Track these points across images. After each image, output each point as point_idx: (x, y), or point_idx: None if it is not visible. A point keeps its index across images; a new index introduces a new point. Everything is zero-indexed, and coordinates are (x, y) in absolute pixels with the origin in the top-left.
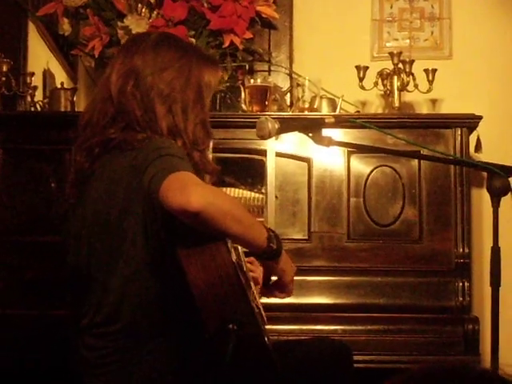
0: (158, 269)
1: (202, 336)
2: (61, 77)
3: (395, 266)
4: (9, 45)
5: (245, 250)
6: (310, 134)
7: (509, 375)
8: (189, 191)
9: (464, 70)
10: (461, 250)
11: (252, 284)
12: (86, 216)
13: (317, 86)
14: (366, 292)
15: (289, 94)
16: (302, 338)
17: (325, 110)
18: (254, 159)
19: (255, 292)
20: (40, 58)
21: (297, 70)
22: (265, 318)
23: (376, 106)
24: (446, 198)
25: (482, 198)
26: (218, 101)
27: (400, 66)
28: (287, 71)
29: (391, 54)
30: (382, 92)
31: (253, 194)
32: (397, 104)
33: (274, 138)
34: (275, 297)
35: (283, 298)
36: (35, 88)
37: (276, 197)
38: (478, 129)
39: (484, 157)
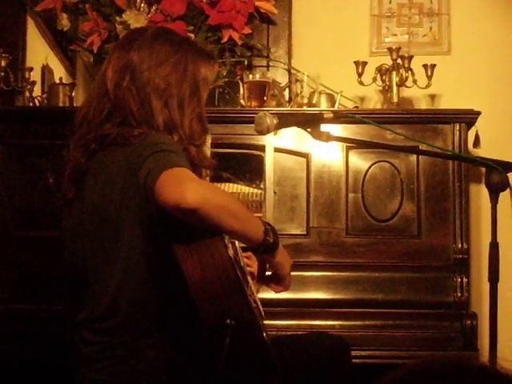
0: (155, 264)
1: (200, 331)
2: (59, 72)
3: (393, 261)
4: (7, 40)
5: (242, 244)
6: (309, 130)
7: (507, 370)
8: (184, 188)
9: (463, 66)
10: (459, 245)
11: (249, 279)
12: (83, 212)
13: (315, 82)
14: (364, 287)
15: (287, 90)
16: (300, 333)
17: (323, 105)
18: (253, 154)
19: (253, 287)
20: (39, 53)
21: (295, 65)
22: (263, 313)
23: (375, 102)
24: (445, 193)
25: (480, 193)
26: (216, 96)
27: (399, 61)
28: (286, 67)
29: (390, 50)
30: (381, 87)
31: (251, 189)
32: (395, 99)
33: (272, 133)
34: (273, 290)
35: (280, 291)
36: (34, 83)
37: (274, 192)
38: (476, 124)
39: (482, 152)
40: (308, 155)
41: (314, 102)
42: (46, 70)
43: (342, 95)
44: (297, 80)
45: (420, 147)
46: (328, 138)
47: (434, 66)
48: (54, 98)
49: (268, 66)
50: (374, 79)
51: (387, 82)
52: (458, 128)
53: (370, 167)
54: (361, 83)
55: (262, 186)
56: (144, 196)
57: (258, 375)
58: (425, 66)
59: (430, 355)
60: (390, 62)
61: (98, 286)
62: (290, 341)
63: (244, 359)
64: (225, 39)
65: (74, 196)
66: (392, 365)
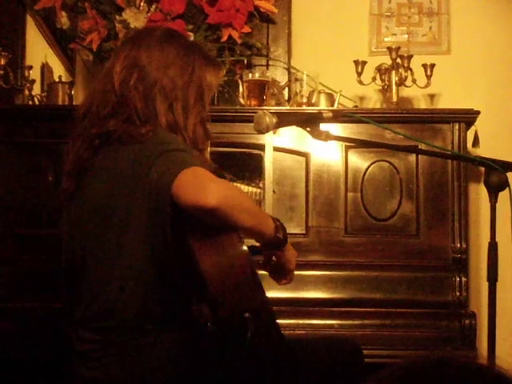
0: (159, 262)
1: (202, 329)
2: (59, 70)
3: (392, 260)
4: (7, 38)
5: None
6: (308, 129)
7: (503, 369)
8: (204, 188)
9: (462, 65)
10: (458, 245)
11: None
12: (84, 208)
13: (315, 81)
14: (362, 287)
15: (287, 89)
16: (312, 335)
17: (323, 104)
18: (252, 153)
19: None
20: (38, 51)
21: (295, 64)
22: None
23: (374, 101)
24: (444, 192)
25: (479, 193)
26: (215, 95)
27: (398, 60)
28: (285, 66)
29: (389, 49)
30: (380, 87)
31: (250, 188)
32: (395, 99)
33: (271, 132)
34: (277, 282)
35: (284, 284)
36: (33, 81)
37: (274, 191)
38: (475, 124)
39: (482, 152)
40: (307, 154)
41: (313, 101)
42: (45, 69)
43: (341, 94)
44: (296, 79)
45: (419, 147)
46: (327, 137)
47: (433, 65)
48: (53, 97)
49: (267, 65)
50: (374, 79)
51: (386, 82)
52: (457, 127)
53: (369, 166)
54: (360, 82)
55: (261, 185)
56: (154, 194)
57: (275, 369)
58: (424, 65)
59: (419, 355)
60: (390, 62)
61: (97, 283)
62: (301, 343)
63: (260, 352)
64: (224, 38)
65: (74, 191)
66: (390, 364)
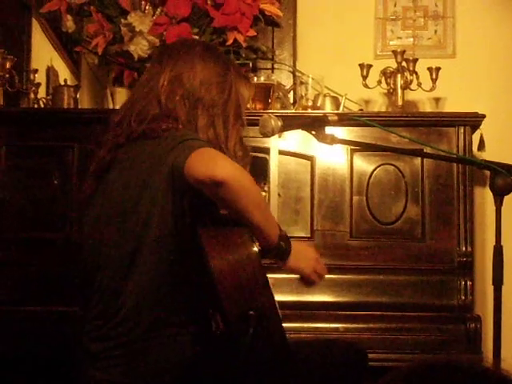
0: (177, 262)
1: (212, 327)
2: (64, 74)
3: (397, 264)
4: (12, 42)
5: None
6: (313, 132)
7: (509, 372)
8: (216, 161)
9: (467, 69)
10: (463, 248)
11: None
12: (103, 204)
13: (320, 84)
14: (368, 290)
15: (292, 92)
16: (315, 338)
17: (328, 108)
18: (257, 157)
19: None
20: (43, 55)
21: (300, 68)
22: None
23: (379, 105)
24: (449, 196)
25: (484, 196)
26: None
27: (403, 64)
28: (290, 69)
29: (395, 53)
30: (386, 90)
31: None
32: (400, 102)
33: (277, 135)
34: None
35: (313, 285)
36: (38, 85)
37: (279, 194)
38: (481, 127)
39: (487, 155)
40: (312, 158)
41: (318, 104)
42: (50, 72)
43: (346, 98)
44: (301, 82)
45: (424, 150)
46: (332, 140)
47: (438, 69)
48: (58, 100)
49: (273, 69)
50: (379, 82)
51: (392, 85)
52: (462, 131)
53: (374, 170)
54: (365, 86)
55: (266, 188)
56: (174, 184)
57: (274, 371)
58: (429, 69)
59: (424, 358)
60: (395, 65)
61: (112, 283)
62: (304, 346)
63: (262, 353)
64: (229, 41)
65: (95, 191)
66: (396, 368)
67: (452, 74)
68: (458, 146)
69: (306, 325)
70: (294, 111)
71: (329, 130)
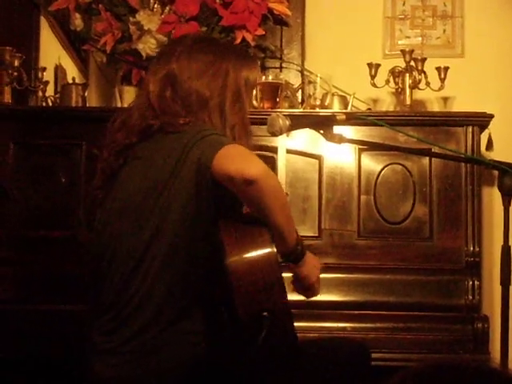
0: (195, 250)
1: (228, 324)
2: (72, 72)
3: (405, 263)
4: (21, 40)
5: None
6: (321, 131)
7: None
8: (248, 159)
9: (476, 69)
10: (471, 248)
11: None
12: (119, 198)
13: (328, 83)
14: (375, 290)
15: (300, 91)
16: (320, 337)
17: (336, 107)
18: (265, 156)
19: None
20: (52, 53)
21: (308, 67)
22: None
23: (387, 104)
24: (457, 196)
25: (492, 196)
26: None
27: (412, 63)
28: (299, 68)
29: (403, 52)
30: (394, 90)
31: None
32: (408, 102)
33: (284, 134)
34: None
35: (310, 297)
36: (47, 83)
37: (286, 194)
38: (489, 127)
39: (495, 155)
40: (320, 157)
41: (326, 103)
42: (58, 70)
43: (354, 97)
44: (310, 82)
45: (432, 150)
46: (340, 139)
47: (447, 68)
48: (66, 98)
49: (281, 68)
50: (387, 81)
51: (400, 85)
52: (470, 131)
53: (382, 169)
54: (374, 85)
55: None
56: (197, 178)
57: (283, 365)
58: (438, 68)
59: (432, 358)
60: (403, 65)
61: (122, 275)
62: (309, 345)
63: (273, 349)
64: (238, 40)
65: (106, 195)
66: (403, 368)
67: (460, 74)
68: (466, 146)
69: (313, 324)
70: (302, 110)
71: (337, 129)
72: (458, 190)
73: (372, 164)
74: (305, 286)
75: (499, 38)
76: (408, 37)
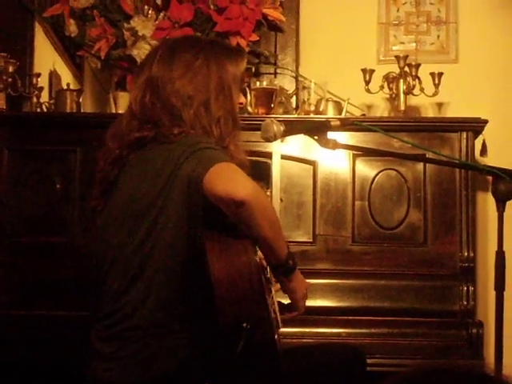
0: (186, 265)
1: (216, 331)
2: (67, 78)
3: (400, 269)
4: (15, 46)
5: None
6: (316, 137)
7: (509, 377)
8: (236, 180)
9: (470, 74)
10: (465, 253)
11: (273, 289)
12: (115, 207)
13: (323, 89)
14: (370, 295)
15: (294, 97)
16: (315, 342)
17: (330, 112)
18: (260, 162)
19: (274, 297)
20: (46, 59)
21: (303, 72)
22: (280, 323)
23: (382, 110)
24: (451, 201)
25: (486, 202)
26: None
27: (406, 69)
28: (293, 74)
29: (397, 58)
30: (388, 95)
31: None
32: (402, 107)
33: (279, 140)
34: (286, 315)
35: (292, 316)
36: (41, 89)
37: (281, 199)
38: (483, 133)
39: (489, 161)
40: (315, 163)
41: (321, 109)
42: (53, 76)
43: (349, 103)
44: (304, 87)
45: (427, 155)
46: (335, 145)
47: (441, 74)
48: (61, 104)
49: (275, 74)
50: (382, 87)
51: (394, 90)
52: (464, 136)
53: (376, 175)
54: (368, 91)
55: (268, 193)
56: (189, 190)
57: (263, 374)
58: (432, 74)
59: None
60: (398, 70)
61: (120, 283)
62: (304, 350)
63: (253, 363)
64: None
65: (105, 204)
66: (396, 373)
67: (454, 80)
68: (460, 152)
69: (308, 330)
70: (296, 116)
71: (331, 134)
72: (452, 195)
73: (366, 170)
74: (292, 300)
75: (493, 43)
76: (402, 42)
